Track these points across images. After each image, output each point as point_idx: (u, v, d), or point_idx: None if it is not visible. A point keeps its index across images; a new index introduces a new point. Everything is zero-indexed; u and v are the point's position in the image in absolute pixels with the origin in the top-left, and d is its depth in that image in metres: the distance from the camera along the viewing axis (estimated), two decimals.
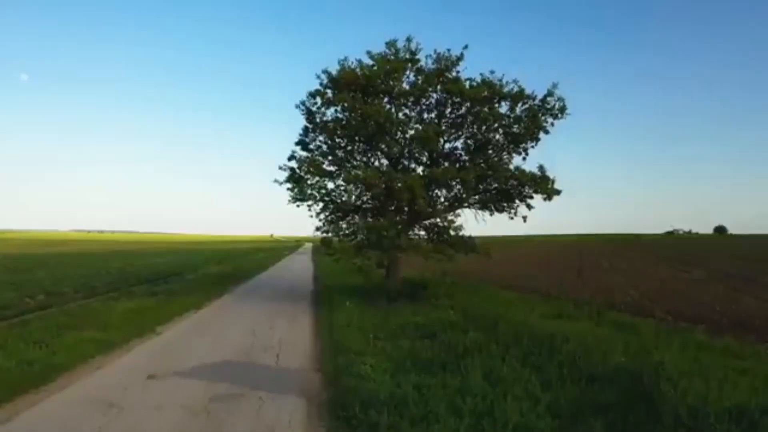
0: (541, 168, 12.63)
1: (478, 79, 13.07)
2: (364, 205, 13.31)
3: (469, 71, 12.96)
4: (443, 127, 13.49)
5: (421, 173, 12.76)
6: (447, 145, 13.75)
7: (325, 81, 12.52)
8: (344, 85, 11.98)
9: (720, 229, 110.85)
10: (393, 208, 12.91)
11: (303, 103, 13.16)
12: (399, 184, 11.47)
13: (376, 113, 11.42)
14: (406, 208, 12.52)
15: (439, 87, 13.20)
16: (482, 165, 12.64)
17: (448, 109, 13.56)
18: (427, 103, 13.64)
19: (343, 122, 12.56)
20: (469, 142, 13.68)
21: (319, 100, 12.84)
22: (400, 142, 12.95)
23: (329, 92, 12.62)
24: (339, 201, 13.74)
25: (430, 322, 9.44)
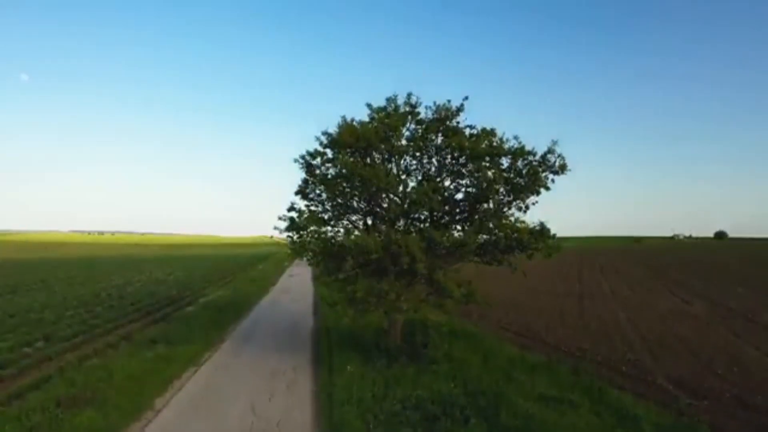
0: (541, 224, 12.51)
1: (479, 128, 12.99)
2: (363, 263, 13.18)
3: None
4: (444, 174, 13.41)
5: (421, 231, 12.62)
6: (446, 194, 13.64)
7: (325, 141, 12.42)
8: (343, 145, 11.89)
9: (720, 235, 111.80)
10: (392, 259, 12.77)
11: (302, 157, 13.05)
12: (398, 246, 11.37)
13: (375, 177, 11.32)
14: (405, 266, 12.41)
15: (440, 136, 13.10)
16: (483, 221, 12.53)
17: (449, 158, 13.45)
18: (428, 149, 13.53)
19: (343, 176, 12.46)
20: (470, 190, 13.56)
21: (318, 159, 12.76)
22: (399, 197, 12.84)
23: (329, 152, 12.56)
24: (336, 247, 13.61)
25: (432, 397, 9.55)
